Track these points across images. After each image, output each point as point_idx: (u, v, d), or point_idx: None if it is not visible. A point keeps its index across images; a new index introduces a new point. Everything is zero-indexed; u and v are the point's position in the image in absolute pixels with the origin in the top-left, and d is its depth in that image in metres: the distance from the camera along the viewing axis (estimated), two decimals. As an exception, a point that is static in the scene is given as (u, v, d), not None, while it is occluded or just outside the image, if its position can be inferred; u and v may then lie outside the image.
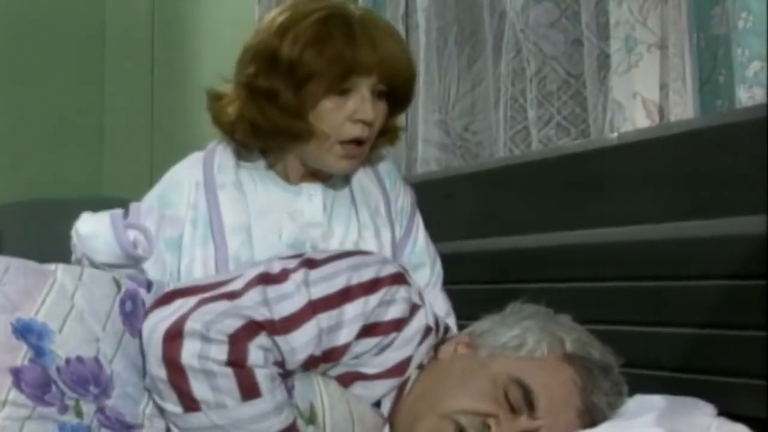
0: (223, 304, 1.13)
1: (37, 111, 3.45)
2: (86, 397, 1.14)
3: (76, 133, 3.52)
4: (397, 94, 1.44)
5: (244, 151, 1.48)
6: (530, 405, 1.15)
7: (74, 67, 3.55)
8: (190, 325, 1.10)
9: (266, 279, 1.18)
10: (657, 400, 1.22)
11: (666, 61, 1.55)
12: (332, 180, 1.50)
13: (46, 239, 1.80)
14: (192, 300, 1.14)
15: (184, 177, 1.46)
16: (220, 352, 1.09)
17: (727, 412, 1.18)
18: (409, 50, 1.50)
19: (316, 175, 1.49)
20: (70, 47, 3.54)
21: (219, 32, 2.96)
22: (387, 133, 1.50)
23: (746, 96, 1.36)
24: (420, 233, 1.55)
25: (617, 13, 1.60)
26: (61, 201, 2.07)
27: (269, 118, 1.39)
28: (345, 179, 1.52)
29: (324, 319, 1.16)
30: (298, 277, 1.18)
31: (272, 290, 1.16)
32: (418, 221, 1.57)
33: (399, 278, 1.23)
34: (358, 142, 1.41)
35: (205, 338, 1.09)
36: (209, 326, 1.10)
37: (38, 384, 1.12)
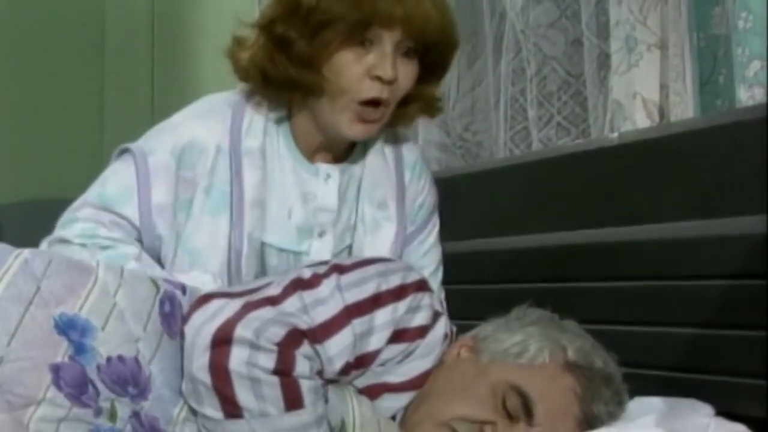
0: (268, 311, 1.12)
1: (37, 111, 3.45)
2: (123, 397, 1.12)
3: (76, 133, 3.51)
4: (429, 56, 1.34)
5: (274, 116, 1.39)
6: (528, 413, 1.15)
7: (74, 67, 3.55)
8: (239, 332, 1.08)
9: (301, 284, 1.17)
10: (655, 402, 1.22)
11: (666, 60, 1.55)
12: (349, 161, 1.43)
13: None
14: (235, 303, 1.13)
15: (206, 138, 1.35)
16: (269, 360, 1.08)
17: (726, 412, 1.18)
18: (448, 11, 1.35)
19: (331, 149, 1.40)
20: (70, 47, 3.54)
21: (220, 31, 2.96)
22: (419, 101, 1.40)
23: (746, 96, 1.36)
24: (432, 236, 1.53)
25: (617, 12, 1.60)
26: (62, 201, 2.06)
27: (279, 68, 1.32)
28: (360, 163, 1.43)
29: (358, 324, 1.16)
30: (331, 282, 1.18)
31: (308, 295, 1.16)
32: (435, 223, 1.53)
33: (423, 285, 1.24)
34: (376, 103, 1.31)
35: (255, 346, 1.08)
36: (259, 334, 1.08)
37: (76, 383, 1.09)
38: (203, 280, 1.33)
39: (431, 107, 1.44)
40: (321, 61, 1.29)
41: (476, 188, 1.78)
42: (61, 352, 1.10)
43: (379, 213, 1.46)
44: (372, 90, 1.29)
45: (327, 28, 1.27)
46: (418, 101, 1.40)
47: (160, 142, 1.37)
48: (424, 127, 2.17)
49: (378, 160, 1.45)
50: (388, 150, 1.48)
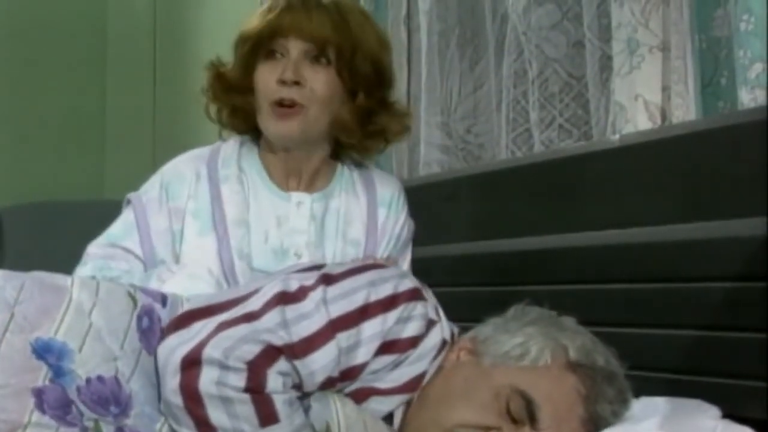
0: (242, 329, 1.12)
1: (39, 114, 3.45)
2: (106, 417, 1.12)
3: (78, 136, 3.52)
4: (347, 64, 1.44)
5: (245, 149, 1.53)
6: (532, 416, 1.14)
7: (76, 70, 3.55)
8: (208, 352, 1.09)
9: (284, 298, 1.16)
10: (661, 403, 1.22)
11: (668, 63, 1.55)
12: (324, 192, 1.51)
13: (48, 241, 1.80)
14: (211, 324, 1.13)
15: (185, 169, 1.50)
16: (239, 379, 1.08)
17: (731, 414, 1.18)
18: (351, 16, 1.48)
19: (300, 177, 1.50)
20: (72, 50, 3.55)
21: (221, 34, 2.96)
22: (384, 133, 1.50)
23: (748, 98, 1.36)
24: (404, 267, 1.53)
25: (619, 15, 1.60)
26: (63, 203, 2.07)
27: (224, 101, 1.50)
28: (337, 199, 1.52)
29: (343, 338, 1.15)
30: (316, 295, 1.17)
31: (291, 310, 1.15)
32: (407, 256, 1.56)
33: (416, 294, 1.22)
34: (290, 104, 1.43)
35: (224, 366, 1.08)
36: (228, 353, 1.08)
37: (60, 404, 1.10)
38: (199, 274, 1.39)
39: (399, 132, 1.54)
40: (249, 82, 1.46)
41: (478, 190, 1.78)
42: (41, 376, 1.10)
43: (351, 250, 1.50)
44: (280, 92, 1.43)
45: (244, 49, 1.46)
46: (383, 134, 1.51)
47: (151, 183, 1.52)
48: (426, 129, 2.17)
49: (350, 198, 1.54)
50: (360, 188, 1.55)
